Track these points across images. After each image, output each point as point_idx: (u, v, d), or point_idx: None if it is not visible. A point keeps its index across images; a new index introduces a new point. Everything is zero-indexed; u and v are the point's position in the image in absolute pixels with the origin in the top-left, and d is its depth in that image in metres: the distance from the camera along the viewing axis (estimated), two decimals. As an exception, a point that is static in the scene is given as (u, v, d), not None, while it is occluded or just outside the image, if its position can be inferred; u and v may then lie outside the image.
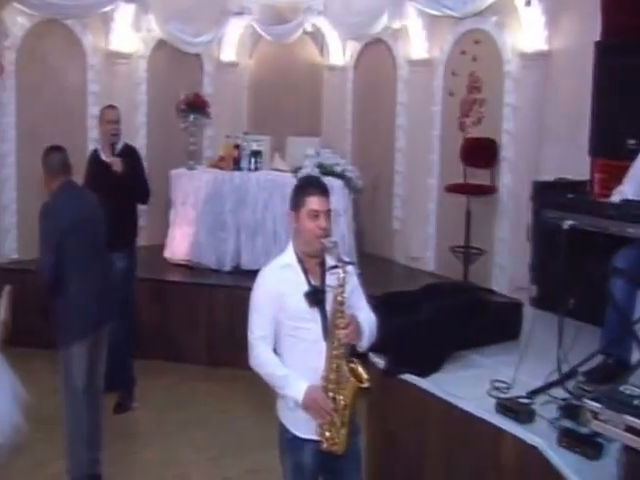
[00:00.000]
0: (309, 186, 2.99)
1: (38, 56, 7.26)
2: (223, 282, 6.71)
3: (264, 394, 5.87)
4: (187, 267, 7.09)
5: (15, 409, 4.67)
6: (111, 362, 4.89)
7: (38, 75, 7.28)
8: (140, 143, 7.96)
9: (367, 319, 3.05)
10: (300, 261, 2.97)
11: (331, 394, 2.88)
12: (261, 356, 3.00)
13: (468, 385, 3.70)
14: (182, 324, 6.59)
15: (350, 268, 2.94)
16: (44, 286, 4.23)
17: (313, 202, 2.92)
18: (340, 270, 2.85)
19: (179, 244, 7.19)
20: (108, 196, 5.15)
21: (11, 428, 4.59)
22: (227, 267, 6.96)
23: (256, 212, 6.95)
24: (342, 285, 2.85)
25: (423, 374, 3.85)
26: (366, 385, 2.87)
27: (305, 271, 2.97)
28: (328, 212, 2.94)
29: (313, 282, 2.96)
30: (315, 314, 2.93)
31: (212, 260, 7.01)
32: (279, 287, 2.95)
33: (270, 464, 3.52)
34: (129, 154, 5.57)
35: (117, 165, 5.36)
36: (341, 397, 2.88)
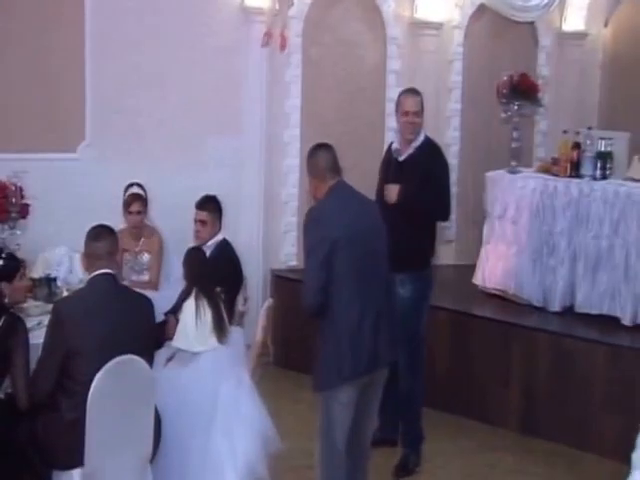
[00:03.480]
0: None
1: (328, 27, 7.74)
2: (548, 326, 6.56)
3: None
4: (501, 299, 7.08)
5: (259, 453, 4.88)
6: (394, 412, 4.89)
7: (327, 49, 7.75)
8: (450, 136, 8.10)
9: None
10: None
11: None
12: None
13: None
14: (489, 373, 6.55)
15: None
16: (307, 309, 4.37)
17: None
18: None
19: (493, 268, 7.18)
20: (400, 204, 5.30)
21: (250, 474, 4.78)
22: (555, 306, 6.80)
23: (600, 236, 6.68)
24: None
25: None
26: None
27: None
28: None
29: None
30: None
31: (536, 294, 6.89)
32: None
33: None
34: (428, 154, 5.60)
35: (391, 195, 5.38)
36: None
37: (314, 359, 4.44)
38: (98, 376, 3.92)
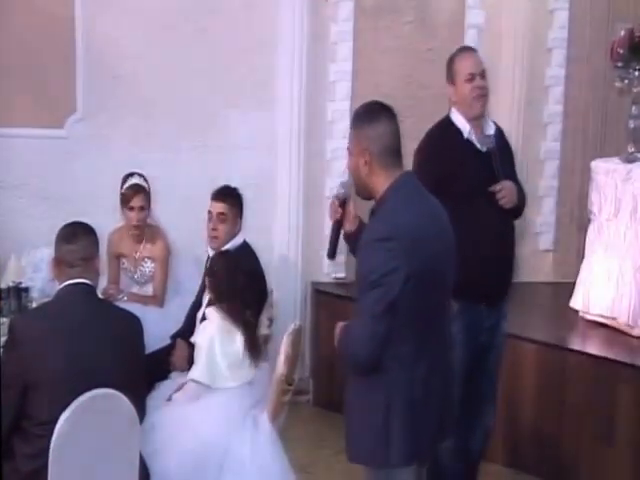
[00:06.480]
0: None
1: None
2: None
3: None
4: (609, 330, 7.00)
5: None
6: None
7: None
8: (550, 112, 8.10)
9: None
10: None
11: None
12: None
13: None
14: (589, 427, 6.47)
15: None
16: (360, 362, 4.01)
17: None
18: None
19: (599, 289, 7.09)
20: (488, 209, 5.31)
21: None
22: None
23: None
24: None
25: None
26: None
27: None
28: None
29: None
30: None
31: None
32: None
33: None
34: (502, 134, 5.61)
35: (512, 196, 5.30)
36: None
37: (346, 421, 4.17)
38: (64, 416, 3.93)
